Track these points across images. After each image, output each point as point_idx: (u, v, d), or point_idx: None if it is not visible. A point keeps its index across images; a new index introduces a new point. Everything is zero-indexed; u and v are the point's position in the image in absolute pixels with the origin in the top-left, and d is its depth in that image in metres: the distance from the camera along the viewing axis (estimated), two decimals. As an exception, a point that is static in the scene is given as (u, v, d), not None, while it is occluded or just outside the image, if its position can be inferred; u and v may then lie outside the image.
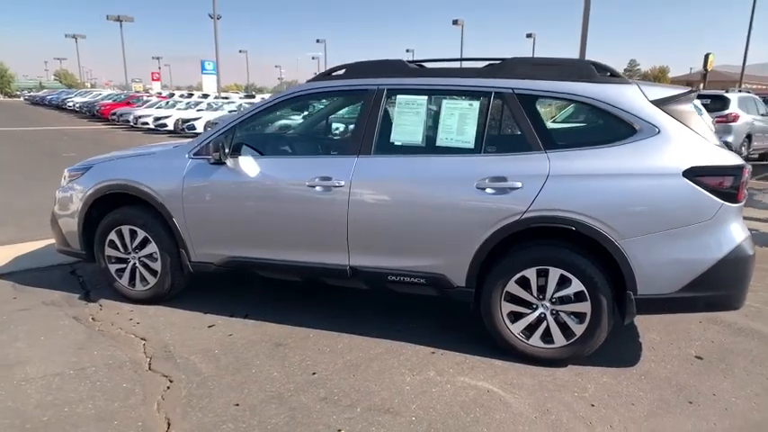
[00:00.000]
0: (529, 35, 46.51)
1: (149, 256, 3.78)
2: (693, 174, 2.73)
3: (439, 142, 3.14)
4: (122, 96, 32.47)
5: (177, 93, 35.81)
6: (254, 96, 27.61)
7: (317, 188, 3.25)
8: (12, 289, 4.16)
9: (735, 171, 2.72)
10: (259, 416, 2.59)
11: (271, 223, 3.42)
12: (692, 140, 2.81)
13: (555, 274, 2.95)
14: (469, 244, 3.03)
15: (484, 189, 2.97)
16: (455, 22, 39.41)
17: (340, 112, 4.71)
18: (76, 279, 4.45)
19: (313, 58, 71.65)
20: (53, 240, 5.13)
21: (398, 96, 3.26)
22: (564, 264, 2.93)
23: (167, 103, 25.81)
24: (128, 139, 18.80)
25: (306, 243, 3.37)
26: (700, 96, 9.51)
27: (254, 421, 2.55)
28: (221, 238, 3.56)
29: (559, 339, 3.03)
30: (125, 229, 3.78)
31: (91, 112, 30.75)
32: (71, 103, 36.91)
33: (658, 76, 73.57)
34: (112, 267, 3.91)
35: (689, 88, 3.04)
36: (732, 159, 2.77)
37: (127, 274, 3.88)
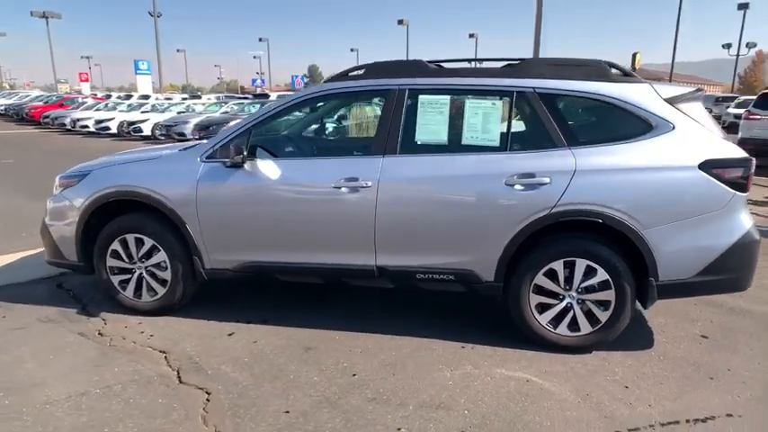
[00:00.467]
0: (471, 35, 47.70)
1: (157, 265, 3.62)
2: (708, 166, 2.94)
3: (464, 141, 3.21)
4: (53, 98, 30.49)
5: (115, 94, 34.03)
6: (199, 97, 26.69)
7: (343, 189, 3.23)
8: (-4, 307, 3.87)
9: (744, 163, 2.95)
10: (314, 421, 2.56)
11: (293, 226, 3.36)
12: (703, 135, 3.02)
13: (581, 264, 3.09)
14: (499, 239, 3.12)
15: (513, 186, 3.06)
16: (400, 22, 39.81)
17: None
18: (66, 293, 4.19)
19: (254, 57, 70.09)
20: (26, 253, 4.83)
21: (421, 96, 3.29)
22: (590, 255, 3.07)
23: (107, 105, 24.49)
24: (69, 143, 17.73)
25: (331, 245, 3.35)
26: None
27: (309, 427, 2.52)
28: (239, 244, 3.46)
29: (585, 327, 3.17)
30: (130, 237, 3.60)
31: (19, 115, 28.68)
32: (-6, 106, 34.29)
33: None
34: (115, 279, 3.71)
35: (696, 87, 3.26)
36: (740, 152, 3.00)
37: (132, 285, 3.70)
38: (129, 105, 22.93)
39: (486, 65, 3.49)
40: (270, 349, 3.28)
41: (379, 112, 3.53)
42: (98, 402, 2.70)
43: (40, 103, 28.54)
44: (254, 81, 69.05)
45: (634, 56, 31.47)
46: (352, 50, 63.05)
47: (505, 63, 3.40)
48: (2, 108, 32.75)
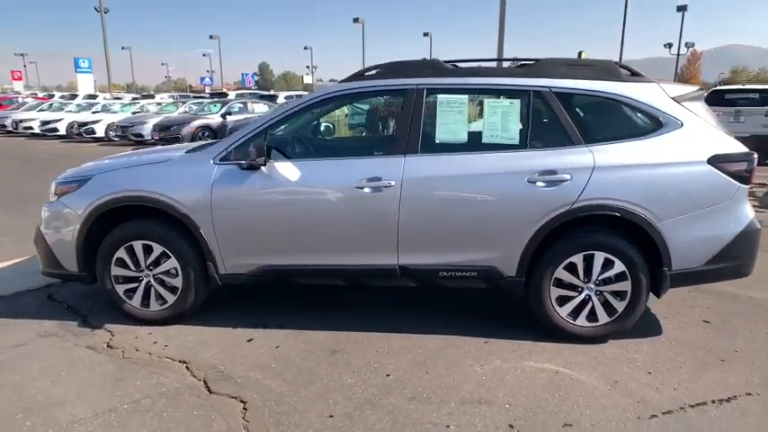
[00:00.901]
0: (425, 34, 48.19)
1: (167, 272, 3.49)
2: (716, 161, 3.11)
3: (485, 139, 3.26)
4: (-12, 98, 28.64)
5: (58, 94, 32.30)
6: (152, 96, 25.69)
7: (366, 189, 3.22)
8: (-13, 324, 3.62)
9: (748, 157, 3.14)
10: (362, 424, 2.54)
11: (314, 228, 3.32)
12: (709, 131, 3.20)
13: (600, 257, 3.20)
14: (522, 235, 3.19)
15: (535, 183, 3.14)
16: (356, 20, 39.68)
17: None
18: (60, 305, 3.98)
19: (204, 54, 68.11)
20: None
21: (440, 96, 3.32)
22: (608, 248, 3.19)
23: (51, 105, 23.24)
24: (14, 145, 16.73)
25: (353, 245, 3.33)
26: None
27: (358, 430, 2.50)
28: (257, 247, 3.39)
29: (603, 317, 3.29)
30: (137, 244, 3.45)
31: (-51, 117, 26.76)
32: None
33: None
34: (120, 288, 3.55)
35: (699, 86, 3.45)
36: (743, 147, 3.19)
37: (139, 294, 3.55)
38: (78, 105, 21.86)
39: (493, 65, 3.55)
40: (295, 354, 3.23)
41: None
42: (130, 419, 2.59)
43: (-26, 104, 26.76)
44: (202, 79, 67.18)
45: (579, 54, 32.79)
46: (305, 48, 62.47)
47: (519, 63, 3.48)
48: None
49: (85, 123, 18.35)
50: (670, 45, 36.22)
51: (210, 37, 52.09)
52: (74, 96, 28.87)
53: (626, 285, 3.23)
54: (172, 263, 3.46)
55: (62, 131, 19.16)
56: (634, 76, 3.35)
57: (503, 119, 3.25)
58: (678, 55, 33.73)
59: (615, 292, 3.26)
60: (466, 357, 3.18)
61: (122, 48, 61.32)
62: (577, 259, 3.22)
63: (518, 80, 3.30)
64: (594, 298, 3.28)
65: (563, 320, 3.31)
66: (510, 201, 3.17)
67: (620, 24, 30.44)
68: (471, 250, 3.26)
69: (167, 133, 15.10)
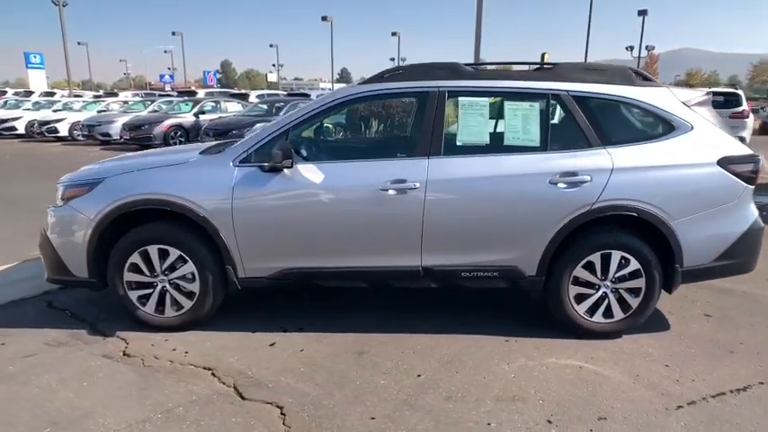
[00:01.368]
0: (394, 33, 48.34)
1: (183, 276, 3.41)
2: (725, 162, 3.26)
3: (506, 141, 3.32)
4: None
5: (11, 91, 30.84)
6: (116, 94, 24.82)
7: (391, 191, 3.23)
8: (-12, 335, 3.46)
9: (755, 159, 3.31)
10: (404, 425, 2.56)
11: (338, 230, 3.31)
12: (717, 134, 3.35)
13: (617, 256, 3.31)
14: (543, 235, 3.27)
15: (556, 184, 3.22)
16: (324, 18, 39.43)
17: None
18: (62, 312, 3.84)
19: (165, 51, 66.30)
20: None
21: (461, 98, 3.36)
22: (625, 246, 3.30)
23: (6, 102, 22.18)
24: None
25: (376, 247, 3.33)
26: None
27: (401, 431, 2.52)
28: (279, 250, 3.35)
29: (618, 314, 3.41)
30: (152, 249, 3.36)
31: None
32: None
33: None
34: (133, 294, 3.45)
35: (707, 89, 3.60)
36: (749, 150, 3.36)
37: (154, 300, 3.46)
38: (37, 103, 20.94)
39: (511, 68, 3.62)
40: (321, 357, 3.22)
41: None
42: (166, 428, 2.53)
43: None
44: (162, 77, 65.49)
45: (542, 56, 33.61)
46: (271, 46, 61.65)
47: (536, 67, 3.56)
48: None
49: (47, 122, 17.61)
50: (631, 48, 37.60)
51: (173, 33, 50.70)
52: (29, 93, 27.64)
53: (640, 282, 3.35)
54: (189, 267, 3.38)
55: (21, 130, 18.32)
56: (646, 80, 3.48)
57: (523, 121, 3.32)
58: (639, 57, 35.03)
59: (630, 288, 3.38)
60: (491, 356, 3.23)
61: (78, 43, 58.98)
62: (595, 258, 3.32)
63: (537, 83, 3.37)
64: (611, 295, 3.39)
65: (581, 317, 3.41)
66: (533, 202, 3.24)
67: (579, 27, 31.26)
68: (494, 251, 3.32)
69: (138, 133, 14.66)
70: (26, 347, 3.30)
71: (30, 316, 3.79)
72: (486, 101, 3.36)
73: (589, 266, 3.35)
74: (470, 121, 3.34)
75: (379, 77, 3.50)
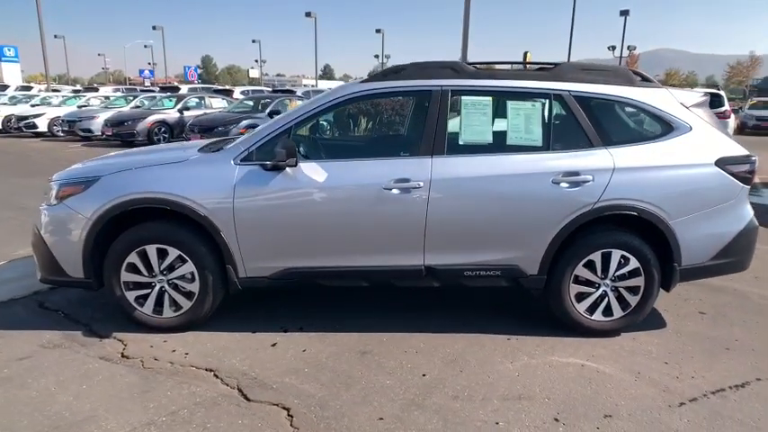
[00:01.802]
0: (378, 30, 48.20)
1: (182, 276, 3.36)
2: (722, 163, 3.32)
3: (509, 141, 3.33)
4: None
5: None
6: (97, 89, 24.30)
7: (394, 191, 3.22)
8: (-20, 336, 3.37)
9: (751, 159, 3.37)
10: (413, 425, 2.56)
11: (341, 229, 3.29)
12: (715, 135, 3.41)
13: (617, 255, 3.35)
14: (546, 235, 3.29)
15: (559, 183, 3.24)
16: (308, 15, 39.12)
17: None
18: (55, 313, 3.75)
19: (146, 46, 65.05)
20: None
21: (464, 97, 3.36)
22: (625, 245, 3.34)
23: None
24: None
25: (380, 246, 3.32)
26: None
27: (411, 431, 2.52)
28: (281, 250, 3.32)
29: (618, 312, 3.45)
30: (151, 248, 3.30)
31: None
32: None
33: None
34: (131, 295, 3.39)
35: (704, 91, 3.66)
36: (745, 150, 3.42)
37: (152, 301, 3.40)
38: (13, 98, 20.41)
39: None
40: (324, 357, 3.19)
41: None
42: (172, 431, 2.48)
43: None
44: (141, 72, 64.48)
45: (525, 54, 33.93)
46: (253, 41, 60.99)
47: (538, 67, 3.57)
48: None
49: (25, 117, 17.16)
50: (613, 48, 38.12)
51: (154, 28, 49.77)
52: (4, 87, 26.91)
53: (639, 281, 3.40)
54: (188, 267, 3.33)
55: (-3, 126, 17.86)
56: (645, 81, 3.52)
57: (526, 121, 3.34)
58: (621, 57, 35.52)
59: (629, 287, 3.42)
60: (494, 355, 3.25)
61: (55, 36, 57.59)
62: (596, 257, 3.35)
63: (539, 83, 3.39)
64: (610, 293, 3.43)
65: (581, 316, 3.44)
66: (536, 201, 3.26)
67: (562, 26, 31.57)
68: (496, 250, 3.33)
69: (121, 129, 14.40)
70: (20, 350, 3.21)
71: (22, 317, 3.69)
72: (488, 100, 3.37)
73: (589, 265, 3.38)
74: (473, 120, 3.34)
75: (382, 76, 3.48)
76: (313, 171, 3.25)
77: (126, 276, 3.35)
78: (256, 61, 63.74)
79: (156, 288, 3.38)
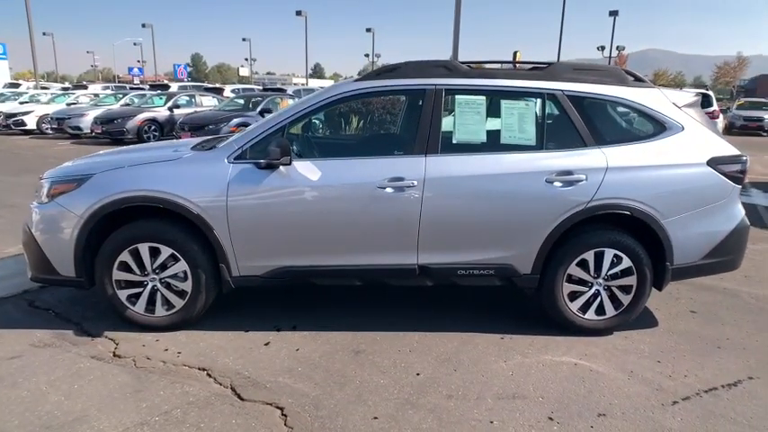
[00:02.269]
0: (368, 29, 48.18)
1: (174, 275, 3.33)
2: (714, 162, 3.35)
3: (503, 140, 3.34)
4: None
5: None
6: (86, 87, 24.04)
7: (388, 189, 3.21)
8: (-31, 335, 3.32)
9: (742, 159, 3.40)
10: (408, 423, 2.56)
11: (335, 228, 3.28)
12: (707, 135, 3.43)
13: (609, 254, 3.37)
14: (539, 234, 3.30)
15: (552, 183, 3.25)
16: (299, 13, 38.97)
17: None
18: (46, 312, 3.71)
19: (135, 43, 64.45)
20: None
21: (458, 96, 3.36)
22: (618, 245, 3.35)
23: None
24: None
25: (373, 245, 3.31)
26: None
27: (406, 430, 2.51)
28: (274, 249, 3.30)
29: (610, 311, 3.47)
30: (143, 246, 3.27)
31: None
32: None
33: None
34: (122, 293, 3.35)
35: (696, 91, 3.69)
36: (736, 150, 3.45)
37: (143, 300, 3.37)
38: (1, 95, 20.15)
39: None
40: (318, 356, 3.18)
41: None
42: (165, 431, 2.46)
43: None
44: (130, 69, 63.90)
45: (515, 54, 34.05)
46: (244, 40, 60.74)
47: (531, 67, 3.59)
48: None
49: (14, 114, 16.95)
50: (603, 48, 38.39)
51: (143, 25, 49.33)
52: (-7, 84, 26.58)
53: (632, 280, 3.42)
54: (181, 266, 3.30)
55: (-16, 122, 17.60)
56: (638, 81, 3.54)
57: (519, 120, 3.35)
58: (610, 57, 35.77)
59: (622, 286, 3.44)
60: (487, 354, 3.25)
61: (44, 33, 57.00)
62: (589, 256, 3.37)
63: (533, 83, 3.40)
64: (603, 293, 3.45)
65: (574, 315, 3.46)
66: (529, 200, 3.26)
67: (552, 26, 31.73)
68: (490, 249, 3.34)
69: (110, 126, 14.26)
70: (11, 349, 3.17)
71: (11, 316, 3.65)
72: (482, 99, 3.37)
73: (583, 264, 3.39)
74: (467, 119, 3.35)
75: (375, 74, 3.47)
76: (307, 169, 3.24)
77: (118, 275, 3.32)
78: (246, 59, 63.49)
79: (149, 287, 3.36)
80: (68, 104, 18.07)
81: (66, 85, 31.60)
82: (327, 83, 69.12)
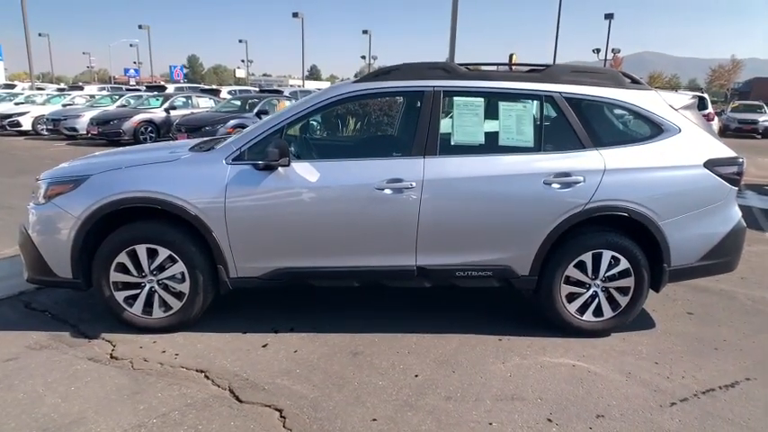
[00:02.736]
0: (365, 31, 48.23)
1: (172, 277, 3.32)
2: (711, 164, 3.36)
3: (501, 142, 3.35)
4: None
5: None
6: (82, 88, 23.94)
7: (387, 191, 3.21)
8: (-36, 337, 3.29)
9: (739, 161, 3.42)
10: (407, 425, 2.55)
11: (333, 229, 3.27)
12: (703, 137, 3.45)
13: (607, 255, 3.38)
14: (538, 235, 3.30)
15: (551, 184, 3.26)
16: (295, 15, 38.99)
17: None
18: (42, 314, 3.69)
19: (131, 45, 64.30)
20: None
21: (457, 98, 3.37)
22: (615, 246, 3.36)
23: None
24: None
25: (372, 247, 3.31)
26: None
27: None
28: (272, 250, 3.29)
29: (608, 312, 3.47)
30: (140, 248, 3.26)
31: None
32: None
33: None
34: (120, 295, 3.34)
35: (693, 93, 3.70)
36: (733, 152, 3.46)
37: (141, 301, 3.35)
38: (-6, 95, 20.04)
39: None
40: (316, 358, 3.18)
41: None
42: (163, 433, 2.45)
43: None
44: (126, 71, 63.67)
45: (510, 56, 34.14)
46: (240, 41, 60.68)
47: (529, 69, 3.59)
48: None
49: (9, 115, 16.86)
50: (598, 50, 38.57)
51: (140, 27, 49.26)
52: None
53: (629, 281, 3.43)
54: (178, 267, 3.29)
55: (-21, 123, 17.50)
56: (635, 83, 3.55)
57: (517, 122, 3.36)
58: (605, 60, 35.93)
59: (619, 288, 3.45)
60: (486, 355, 3.25)
61: (39, 35, 56.80)
62: (587, 257, 3.38)
63: (531, 85, 3.40)
64: (601, 294, 3.45)
65: (572, 316, 3.46)
66: (528, 202, 3.27)
67: (547, 28, 31.75)
68: (488, 250, 3.34)
69: (107, 128, 14.21)
70: (7, 351, 3.15)
71: (7, 317, 3.62)
72: (480, 101, 3.38)
73: (580, 266, 3.40)
74: (465, 120, 3.35)
75: (374, 76, 3.48)
76: (305, 171, 3.23)
77: (115, 276, 3.30)
78: (243, 61, 63.36)
79: (146, 288, 3.34)
80: (64, 105, 18.00)
81: (62, 86, 31.45)
82: (324, 84, 69.16)
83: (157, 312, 3.37)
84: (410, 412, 2.66)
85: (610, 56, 35.66)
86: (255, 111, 13.48)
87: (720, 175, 3.38)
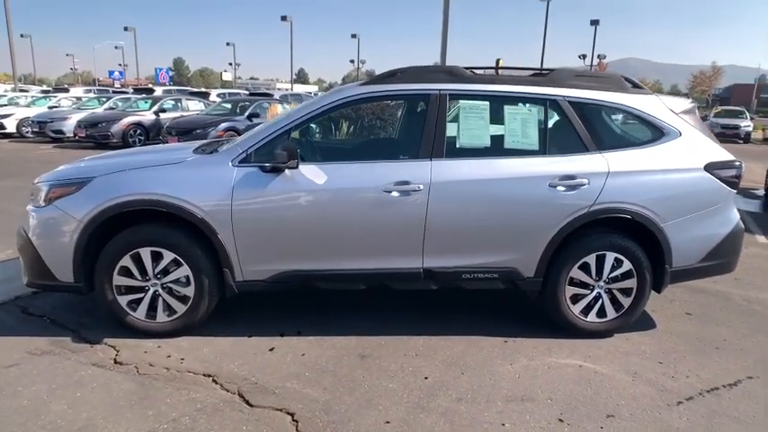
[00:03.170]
0: (353, 35, 48.30)
1: (177, 280, 3.29)
2: (711, 168, 3.43)
3: (506, 145, 3.37)
4: None
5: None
6: (67, 90, 23.56)
7: (394, 193, 3.22)
8: (-37, 343, 3.22)
9: (737, 164, 3.49)
10: (421, 427, 2.55)
11: (340, 232, 3.27)
12: (703, 141, 3.51)
13: (611, 257, 3.42)
14: (543, 237, 3.33)
15: (556, 187, 3.29)
16: (284, 18, 38.92)
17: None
18: (40, 319, 3.62)
19: (116, 47, 63.56)
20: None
21: (463, 101, 3.39)
22: (619, 248, 3.41)
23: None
24: None
25: (379, 249, 3.31)
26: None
27: (419, 434, 2.51)
28: (279, 253, 3.27)
29: (611, 313, 3.51)
30: (144, 251, 3.22)
31: None
32: None
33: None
34: (123, 299, 3.29)
35: (691, 98, 3.77)
36: (732, 156, 3.53)
37: (145, 305, 3.31)
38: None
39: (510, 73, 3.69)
40: (324, 361, 3.16)
41: None
42: (175, 438, 2.42)
43: None
44: (111, 73, 62.97)
45: (497, 61, 34.44)
46: (228, 44, 60.37)
47: (532, 72, 3.63)
48: None
49: (-8, 117, 16.56)
50: (584, 56, 39.10)
51: (125, 29, 48.72)
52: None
53: (632, 283, 3.47)
54: (183, 270, 3.26)
55: (-38, 126, 17.16)
56: (636, 87, 3.61)
57: (522, 125, 3.39)
58: (591, 66, 36.39)
59: (622, 289, 3.49)
60: (493, 357, 3.27)
61: (21, 35, 55.84)
62: (591, 259, 3.42)
63: (535, 89, 3.44)
64: (604, 295, 3.49)
65: (576, 317, 3.50)
66: (534, 204, 3.30)
67: (532, 35, 32.07)
68: (495, 252, 3.36)
69: (95, 130, 14.01)
70: (8, 357, 3.09)
71: (5, 323, 3.55)
72: (486, 104, 3.41)
73: (584, 267, 3.44)
74: (472, 124, 3.37)
75: (379, 79, 3.48)
76: (312, 173, 3.23)
77: (118, 280, 3.26)
78: (230, 64, 63.04)
79: (150, 292, 3.30)
80: (50, 108, 17.73)
81: (45, 87, 30.95)
82: (312, 88, 69.04)
83: (161, 316, 3.33)
84: (423, 414, 2.66)
85: (596, 61, 36.06)
86: (246, 114, 13.42)
87: (720, 178, 3.44)
